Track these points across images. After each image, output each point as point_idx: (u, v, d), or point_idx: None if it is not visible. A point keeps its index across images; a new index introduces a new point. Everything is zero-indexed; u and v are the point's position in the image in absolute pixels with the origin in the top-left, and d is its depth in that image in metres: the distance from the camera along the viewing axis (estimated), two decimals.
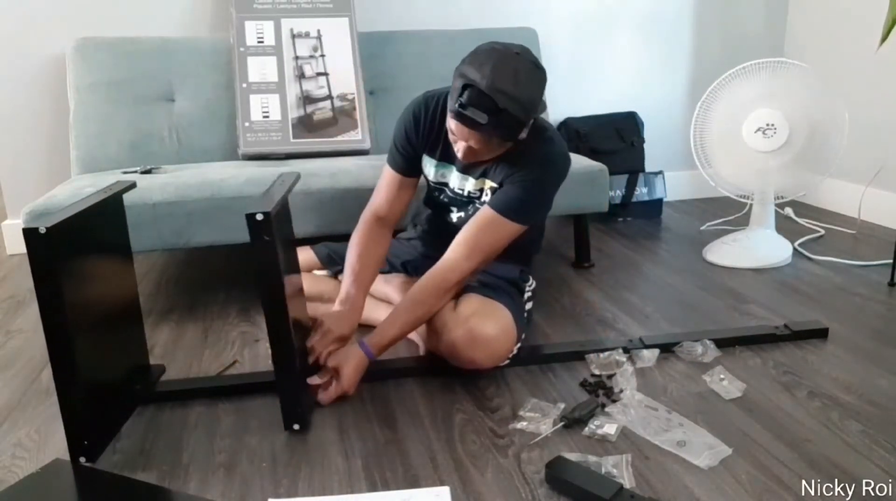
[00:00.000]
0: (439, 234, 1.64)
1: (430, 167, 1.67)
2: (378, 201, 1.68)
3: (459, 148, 1.47)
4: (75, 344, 1.18)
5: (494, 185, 1.55)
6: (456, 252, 1.50)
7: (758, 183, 2.26)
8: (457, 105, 1.36)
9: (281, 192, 1.36)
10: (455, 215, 1.68)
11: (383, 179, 1.70)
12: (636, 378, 1.48)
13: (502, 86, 1.33)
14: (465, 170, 1.60)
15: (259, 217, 1.22)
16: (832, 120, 2.12)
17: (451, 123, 1.43)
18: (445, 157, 1.63)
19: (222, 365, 1.64)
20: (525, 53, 1.39)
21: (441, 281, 1.49)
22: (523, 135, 1.45)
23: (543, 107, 1.47)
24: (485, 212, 1.52)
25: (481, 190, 1.60)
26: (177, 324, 1.89)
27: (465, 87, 1.35)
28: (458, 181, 1.63)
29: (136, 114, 2.30)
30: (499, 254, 1.55)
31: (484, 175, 1.58)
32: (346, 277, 1.60)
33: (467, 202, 1.64)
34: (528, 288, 1.70)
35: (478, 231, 1.50)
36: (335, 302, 1.58)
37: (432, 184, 1.71)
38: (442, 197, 1.70)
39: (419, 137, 1.62)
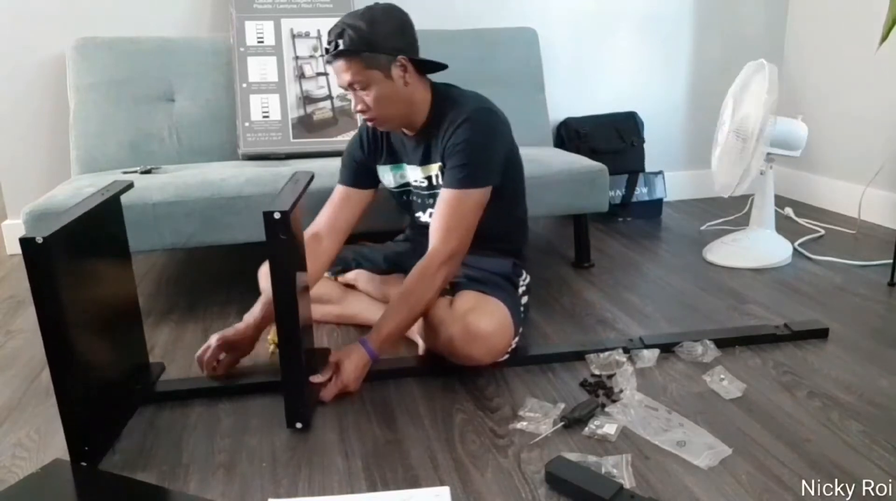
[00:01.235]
0: (421, 236, 1.66)
1: (387, 175, 1.72)
2: (319, 218, 1.70)
3: (353, 103, 1.54)
4: (74, 351, 1.18)
5: (441, 165, 1.58)
6: (433, 240, 1.52)
7: (724, 178, 2.26)
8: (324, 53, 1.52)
9: (296, 191, 1.36)
10: (424, 218, 1.70)
11: (334, 195, 1.72)
12: (636, 378, 1.48)
13: (345, 18, 1.49)
14: (412, 162, 1.65)
15: (276, 216, 1.22)
16: (758, 104, 2.11)
17: (335, 78, 1.55)
18: (393, 159, 1.69)
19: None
20: (380, 3, 1.54)
21: (425, 268, 1.49)
22: (402, 79, 1.52)
23: (431, 63, 1.55)
24: (442, 194, 1.54)
25: (430, 177, 1.63)
26: (177, 324, 1.89)
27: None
28: (413, 174, 1.67)
29: (136, 114, 2.30)
30: (482, 239, 1.56)
31: (427, 160, 1.61)
32: (261, 297, 1.59)
33: (430, 196, 1.66)
34: (522, 282, 1.70)
35: (444, 213, 1.52)
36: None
37: (397, 191, 1.74)
38: (411, 198, 1.72)
39: (366, 151, 1.70)
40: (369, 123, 1.60)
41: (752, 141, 2.10)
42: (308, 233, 1.66)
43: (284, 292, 1.27)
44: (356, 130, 1.75)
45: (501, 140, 1.60)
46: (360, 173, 1.71)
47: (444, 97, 1.59)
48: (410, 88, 1.53)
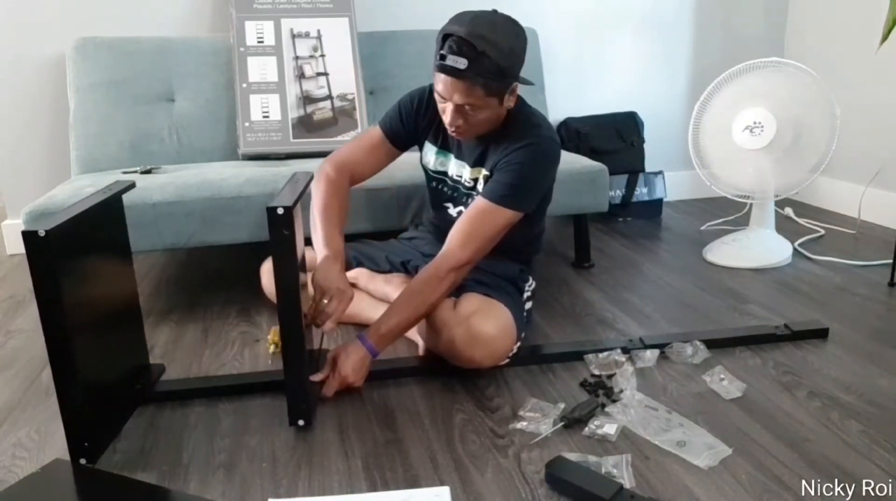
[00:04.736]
0: (439, 233, 1.65)
1: (430, 154, 1.70)
2: (354, 150, 1.69)
3: (447, 114, 1.47)
4: (75, 346, 1.18)
5: (487, 173, 1.57)
6: (451, 243, 1.51)
7: (748, 181, 2.26)
8: (438, 57, 1.40)
9: (296, 191, 1.37)
10: (454, 211, 1.69)
11: (367, 136, 1.71)
12: (636, 378, 1.48)
13: (480, 31, 1.37)
14: (462, 157, 1.63)
15: (280, 211, 1.23)
16: (822, 117, 2.12)
17: (438, 85, 1.45)
18: (445, 145, 1.67)
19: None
20: (502, 14, 1.44)
21: (436, 270, 1.48)
22: (510, 102, 1.49)
23: (527, 80, 1.50)
24: (477, 202, 1.53)
25: (476, 180, 1.61)
26: (177, 324, 1.89)
27: (445, 37, 1.39)
28: (456, 168, 1.66)
29: (136, 114, 2.30)
30: (497, 247, 1.55)
31: (479, 163, 1.59)
32: (328, 224, 1.54)
33: (465, 195, 1.65)
34: (527, 288, 1.71)
35: (471, 220, 1.51)
36: (320, 246, 1.53)
37: (432, 173, 1.72)
38: (442, 188, 1.71)
39: (425, 114, 1.66)
40: (452, 132, 1.52)
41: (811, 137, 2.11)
42: (341, 163, 1.66)
43: (288, 286, 1.27)
44: (428, 86, 1.64)
45: (553, 173, 1.60)
46: (402, 133, 1.69)
47: (519, 111, 1.56)
48: (508, 106, 1.51)
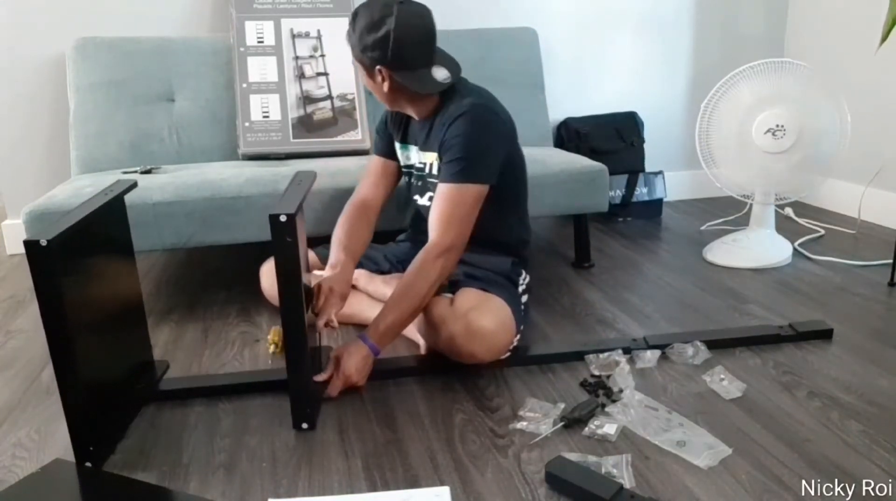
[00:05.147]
0: (415, 224, 1.68)
1: (399, 151, 1.76)
2: (363, 186, 1.78)
3: None
4: (78, 353, 1.17)
5: (437, 154, 1.60)
6: (431, 234, 1.52)
7: (764, 183, 2.25)
8: None
9: (300, 192, 1.37)
10: (423, 200, 1.71)
11: (368, 167, 1.81)
12: (636, 378, 1.48)
13: (361, 7, 1.52)
14: (418, 143, 1.68)
15: (282, 218, 1.23)
16: (835, 121, 2.12)
17: None
18: (404, 138, 1.73)
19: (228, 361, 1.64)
20: (413, 8, 1.52)
21: (423, 261, 1.49)
22: (384, 86, 1.56)
23: (403, 64, 1.54)
24: (439, 188, 1.54)
25: (431, 164, 1.65)
26: (177, 324, 1.90)
27: None
28: (416, 156, 1.70)
29: (136, 114, 2.30)
30: (482, 240, 1.58)
31: (426, 144, 1.64)
32: (335, 247, 1.65)
33: (429, 178, 1.67)
34: (522, 281, 1.70)
35: (441, 207, 1.52)
36: (326, 268, 1.61)
37: (403, 169, 1.78)
38: (411, 180, 1.75)
39: (388, 124, 1.77)
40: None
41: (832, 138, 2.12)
42: (357, 201, 1.75)
43: (290, 294, 1.27)
44: (385, 110, 1.79)
45: (498, 138, 1.58)
46: (388, 147, 1.78)
47: (455, 91, 1.59)
48: (395, 93, 1.57)
